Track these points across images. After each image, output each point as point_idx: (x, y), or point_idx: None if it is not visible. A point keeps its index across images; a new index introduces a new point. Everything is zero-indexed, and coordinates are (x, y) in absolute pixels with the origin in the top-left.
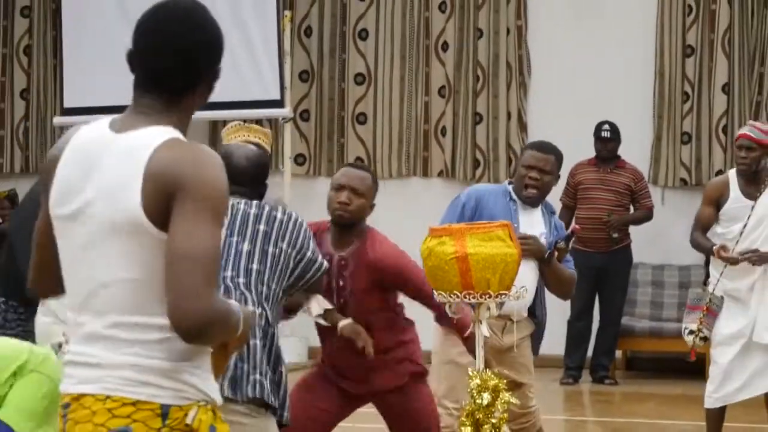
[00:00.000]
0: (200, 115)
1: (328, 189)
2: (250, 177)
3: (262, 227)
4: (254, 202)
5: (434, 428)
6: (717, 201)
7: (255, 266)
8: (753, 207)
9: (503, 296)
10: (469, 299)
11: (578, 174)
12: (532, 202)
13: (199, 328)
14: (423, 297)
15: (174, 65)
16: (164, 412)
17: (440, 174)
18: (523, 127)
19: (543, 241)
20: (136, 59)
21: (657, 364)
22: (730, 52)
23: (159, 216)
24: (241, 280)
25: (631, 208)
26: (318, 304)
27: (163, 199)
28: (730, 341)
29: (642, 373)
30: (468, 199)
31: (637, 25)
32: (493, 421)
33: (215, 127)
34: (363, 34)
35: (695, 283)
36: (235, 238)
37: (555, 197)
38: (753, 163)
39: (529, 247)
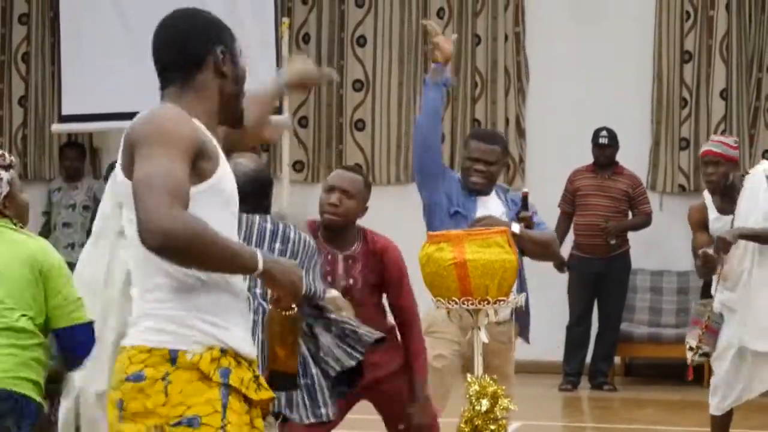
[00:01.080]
0: None
1: None
2: (249, 194)
3: (277, 245)
4: (269, 217)
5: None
6: (704, 223)
7: None
8: (732, 222)
9: (502, 302)
10: (468, 305)
11: (576, 180)
12: (478, 192)
13: (161, 236)
14: (408, 302)
15: (169, 55)
16: (173, 356)
17: None
18: (521, 133)
19: (506, 218)
20: (154, 66)
21: (656, 370)
22: (728, 57)
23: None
24: (258, 290)
25: (630, 214)
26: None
27: (131, 158)
28: (725, 352)
29: (641, 379)
30: (448, 171)
31: (635, 31)
32: (492, 427)
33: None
34: (361, 41)
35: (694, 289)
36: None
37: (553, 204)
38: (720, 179)
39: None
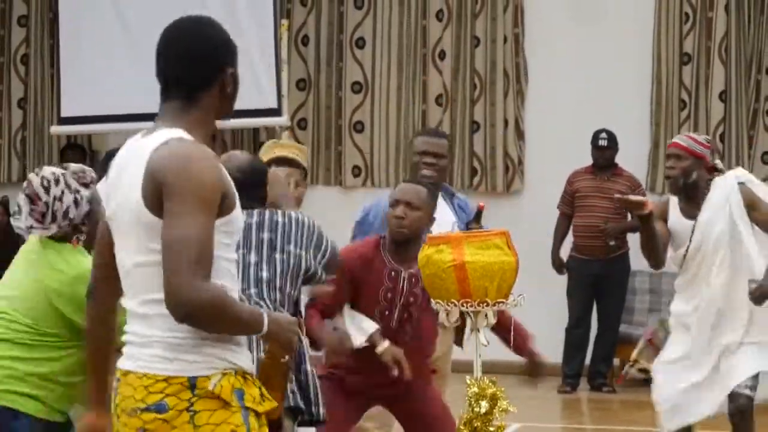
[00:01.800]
0: None
1: (326, 198)
2: (243, 186)
3: (265, 235)
4: (254, 211)
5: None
6: (664, 218)
7: (264, 275)
8: (693, 228)
9: (501, 304)
10: (467, 307)
11: (575, 182)
12: (431, 185)
13: (186, 309)
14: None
15: (180, 70)
16: (192, 383)
17: None
18: (520, 134)
19: (456, 229)
20: (156, 72)
21: None
22: (727, 59)
23: (158, 209)
24: (253, 290)
25: (629, 215)
26: (360, 333)
27: (157, 194)
28: (670, 367)
29: (640, 380)
30: (369, 214)
31: (634, 33)
32: (491, 429)
33: (213, 135)
34: (360, 43)
35: None
36: (240, 251)
37: (553, 205)
38: (681, 175)
39: None
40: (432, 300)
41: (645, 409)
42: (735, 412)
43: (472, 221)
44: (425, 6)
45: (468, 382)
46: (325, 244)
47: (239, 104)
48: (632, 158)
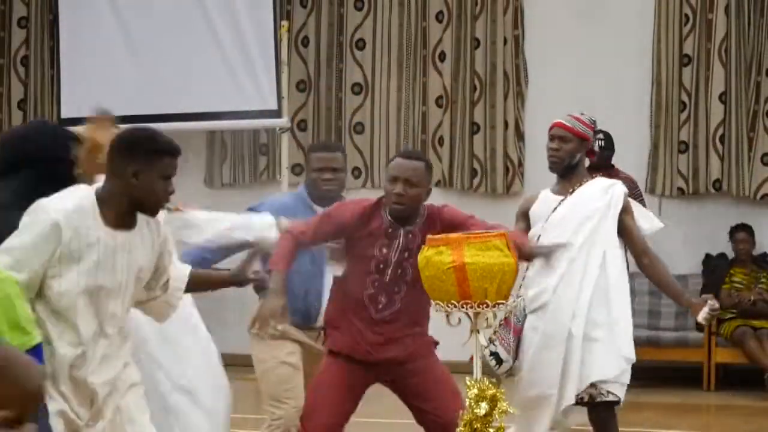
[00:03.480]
0: (198, 126)
1: None
2: None
3: None
4: None
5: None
6: (526, 213)
7: None
8: (559, 203)
9: (501, 306)
10: (467, 309)
11: None
12: (331, 199)
13: None
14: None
15: None
16: None
17: (438, 184)
18: (520, 136)
19: None
20: None
21: (654, 373)
22: (727, 61)
23: None
24: None
25: None
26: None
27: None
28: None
29: (639, 382)
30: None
31: (634, 34)
32: (491, 430)
33: (213, 137)
34: (360, 44)
35: (693, 292)
36: None
37: None
38: (566, 156)
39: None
40: (432, 301)
41: (644, 410)
42: None
43: None
44: (425, 7)
45: (468, 383)
46: None
47: (240, 105)
48: (632, 160)
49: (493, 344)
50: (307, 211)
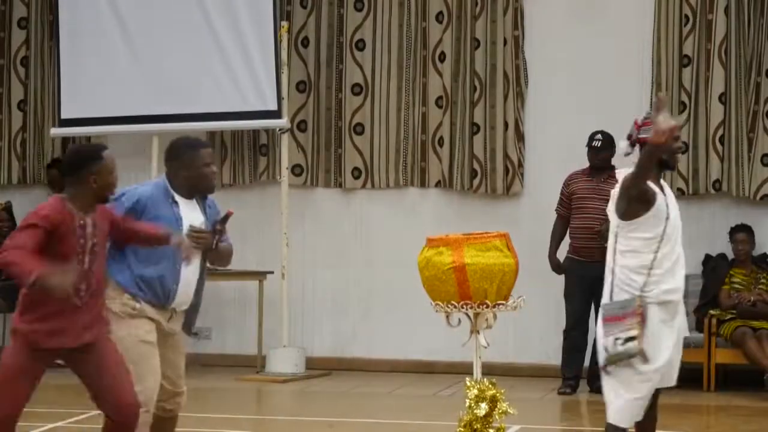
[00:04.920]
0: (199, 126)
1: (326, 199)
2: None
3: None
4: None
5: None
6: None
7: None
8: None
9: (501, 306)
10: (467, 309)
11: (572, 184)
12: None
13: None
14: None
15: None
16: None
17: (438, 184)
18: (520, 136)
19: (205, 227)
20: None
21: None
22: (727, 61)
23: None
24: None
25: None
26: None
27: None
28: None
29: None
30: (129, 203)
31: (634, 35)
32: (491, 431)
33: (213, 137)
34: (360, 45)
35: (692, 293)
36: None
37: (552, 207)
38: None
39: (204, 242)
40: (432, 302)
41: None
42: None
43: (219, 222)
44: (425, 8)
45: (468, 384)
46: None
47: (240, 106)
48: (632, 161)
49: (634, 338)
50: (167, 201)
